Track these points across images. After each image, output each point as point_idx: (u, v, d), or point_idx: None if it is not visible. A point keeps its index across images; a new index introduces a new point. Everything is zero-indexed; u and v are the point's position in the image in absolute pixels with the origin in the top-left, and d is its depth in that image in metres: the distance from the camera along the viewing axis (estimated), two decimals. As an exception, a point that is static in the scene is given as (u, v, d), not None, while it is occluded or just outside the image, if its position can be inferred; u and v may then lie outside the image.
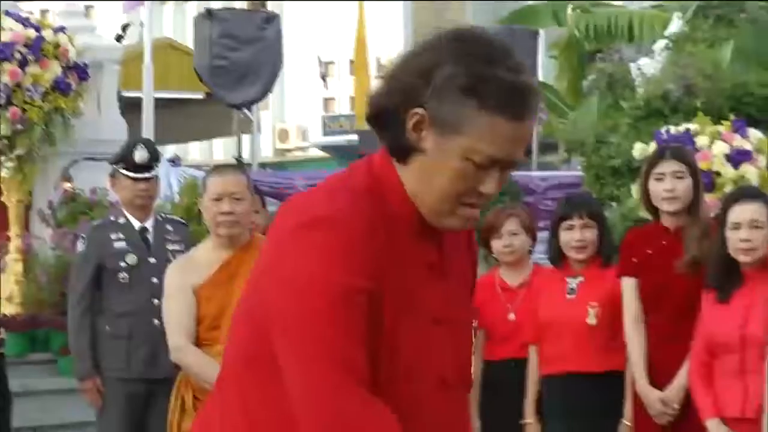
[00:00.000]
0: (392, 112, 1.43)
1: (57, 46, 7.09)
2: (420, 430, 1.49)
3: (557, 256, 3.80)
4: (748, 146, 6.30)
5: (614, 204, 6.48)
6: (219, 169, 4.17)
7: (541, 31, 10.64)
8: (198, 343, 3.35)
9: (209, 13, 9.43)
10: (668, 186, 3.48)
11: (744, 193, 3.69)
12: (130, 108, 8.56)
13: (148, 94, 8.43)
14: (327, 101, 34.80)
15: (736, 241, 3.14)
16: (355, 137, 14.56)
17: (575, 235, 3.69)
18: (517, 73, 1.40)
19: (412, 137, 1.42)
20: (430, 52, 1.42)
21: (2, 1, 7.26)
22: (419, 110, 1.39)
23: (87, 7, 17.22)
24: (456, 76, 1.38)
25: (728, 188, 5.69)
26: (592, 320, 3.61)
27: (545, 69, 11.30)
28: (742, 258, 3.14)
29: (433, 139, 1.40)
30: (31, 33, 6.99)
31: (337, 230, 1.40)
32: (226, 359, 1.59)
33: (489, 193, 1.45)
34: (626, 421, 3.55)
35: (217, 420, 1.59)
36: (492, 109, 1.37)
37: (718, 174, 6.07)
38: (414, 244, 1.50)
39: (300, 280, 1.38)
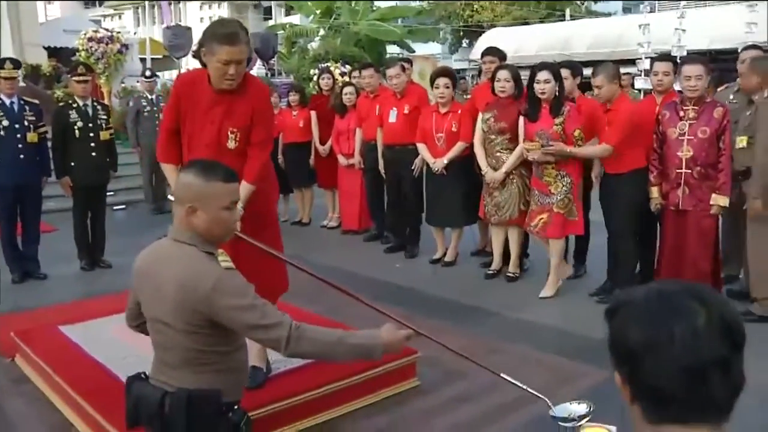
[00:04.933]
0: (199, 55, 3.10)
1: None
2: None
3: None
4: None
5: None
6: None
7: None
8: None
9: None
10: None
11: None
12: None
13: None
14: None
15: None
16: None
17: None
18: (225, 29, 2.97)
19: (204, 60, 3.06)
20: (202, 36, 3.07)
21: None
22: (201, 50, 3.05)
23: None
24: (206, 36, 3.02)
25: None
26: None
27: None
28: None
29: (208, 58, 3.01)
30: None
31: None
32: None
33: (233, 74, 2.99)
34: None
35: None
36: (217, 43, 2.96)
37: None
38: (208, 94, 3.09)
39: None
